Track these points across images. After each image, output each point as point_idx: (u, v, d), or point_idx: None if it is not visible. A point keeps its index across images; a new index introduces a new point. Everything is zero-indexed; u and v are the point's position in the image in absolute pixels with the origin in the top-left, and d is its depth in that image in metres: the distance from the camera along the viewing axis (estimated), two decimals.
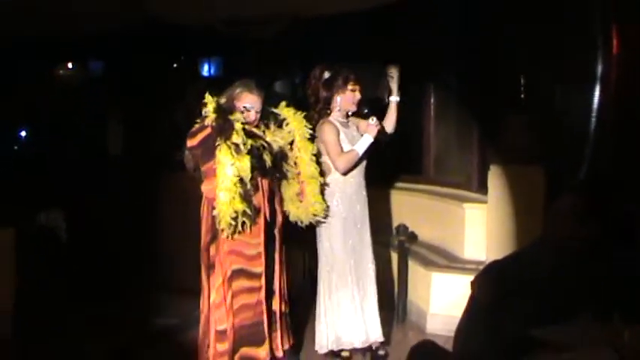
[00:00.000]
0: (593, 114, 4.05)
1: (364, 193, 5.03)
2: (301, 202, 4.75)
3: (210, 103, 4.31)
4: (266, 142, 4.54)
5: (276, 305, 4.62)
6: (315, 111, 4.97)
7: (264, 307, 4.49)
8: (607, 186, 3.07)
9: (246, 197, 4.26)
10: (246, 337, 4.47)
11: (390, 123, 5.14)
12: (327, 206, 4.87)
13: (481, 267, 3.79)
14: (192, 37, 8.17)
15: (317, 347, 4.97)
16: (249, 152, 4.27)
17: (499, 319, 2.63)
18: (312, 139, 4.78)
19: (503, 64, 5.78)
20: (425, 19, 6.64)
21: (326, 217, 4.90)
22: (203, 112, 4.32)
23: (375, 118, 4.87)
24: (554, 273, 2.62)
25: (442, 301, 5.61)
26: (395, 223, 6.24)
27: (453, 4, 6.39)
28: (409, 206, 6.70)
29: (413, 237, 6.18)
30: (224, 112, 4.31)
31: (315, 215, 4.78)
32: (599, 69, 4.09)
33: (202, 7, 7.09)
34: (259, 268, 4.47)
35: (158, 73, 8.52)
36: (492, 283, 2.85)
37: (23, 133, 9.41)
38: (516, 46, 5.52)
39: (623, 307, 2.44)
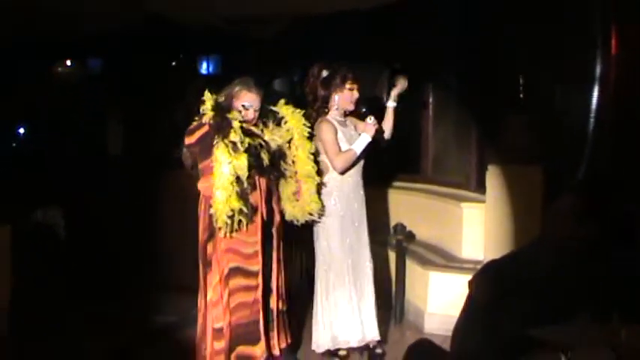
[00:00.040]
0: (592, 114, 4.05)
1: (362, 192, 5.03)
2: (297, 200, 4.74)
3: (208, 100, 4.31)
4: (264, 140, 4.53)
5: (273, 304, 4.61)
6: (313, 109, 4.96)
7: (260, 305, 4.48)
8: (606, 186, 3.07)
9: (242, 196, 4.25)
10: (243, 335, 4.46)
11: (387, 128, 5.14)
12: (324, 205, 4.87)
13: (479, 267, 3.79)
14: (192, 36, 8.17)
15: (314, 346, 4.97)
16: (246, 150, 4.26)
17: (496, 319, 2.63)
18: (311, 137, 4.78)
19: (502, 64, 5.78)
20: (424, 18, 6.63)
21: (323, 215, 4.89)
22: (201, 110, 4.32)
23: (372, 118, 4.87)
24: (552, 273, 2.62)
25: (440, 301, 5.60)
26: (393, 222, 6.24)
27: (453, 4, 6.39)
28: (407, 205, 6.70)
29: (411, 236, 6.18)
30: (222, 110, 4.31)
31: (310, 214, 4.78)
32: (599, 69, 4.09)
33: (203, 6, 7.09)
34: (256, 266, 4.46)
35: (158, 71, 8.52)
36: (490, 283, 2.85)
37: (22, 131, 9.40)
38: (516, 46, 5.52)
39: (621, 307, 2.44)
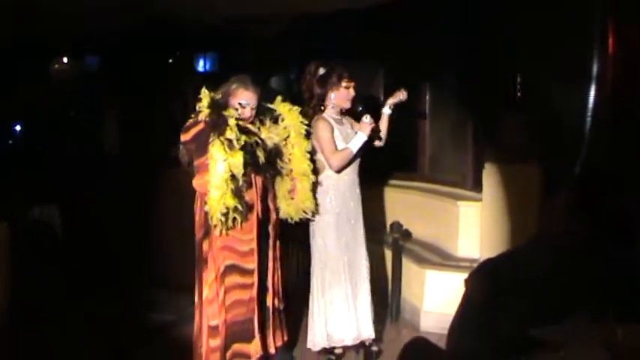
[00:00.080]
0: (590, 113, 4.05)
1: (358, 190, 5.03)
2: (292, 199, 4.75)
3: (205, 97, 4.31)
4: (260, 138, 4.53)
5: (269, 302, 4.61)
6: (310, 107, 4.97)
7: (256, 304, 4.48)
8: (602, 183, 3.07)
9: (237, 193, 4.24)
10: (239, 333, 4.46)
11: (381, 134, 5.16)
12: (318, 204, 4.88)
13: (475, 265, 3.80)
14: (190, 34, 8.16)
15: (309, 344, 4.98)
16: (242, 148, 4.25)
17: (492, 317, 2.63)
18: (308, 134, 4.78)
19: (499, 63, 5.77)
20: (422, 17, 6.63)
21: (319, 213, 4.91)
22: (197, 107, 4.32)
23: (369, 116, 4.88)
24: (548, 271, 2.62)
25: (436, 299, 5.62)
26: (389, 221, 6.25)
27: (450, 3, 6.39)
28: (403, 203, 6.71)
29: (407, 234, 6.19)
30: (218, 108, 4.30)
31: (305, 212, 4.79)
32: (596, 67, 4.09)
33: (203, 5, 7.09)
34: (252, 264, 4.46)
35: (156, 69, 8.51)
36: (486, 281, 2.85)
37: (19, 128, 9.38)
38: (512, 45, 5.52)
39: (618, 305, 2.44)
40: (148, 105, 8.27)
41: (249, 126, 4.52)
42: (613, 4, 4.11)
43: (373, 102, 6.94)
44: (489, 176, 5.64)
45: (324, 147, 4.87)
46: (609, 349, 2.36)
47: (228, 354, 4.44)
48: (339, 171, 4.91)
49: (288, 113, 4.72)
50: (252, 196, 4.41)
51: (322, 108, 4.98)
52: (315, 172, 4.82)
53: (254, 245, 4.45)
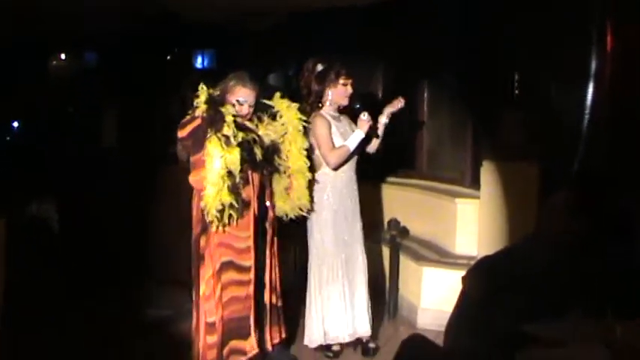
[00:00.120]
0: (588, 111, 4.05)
1: (355, 187, 5.04)
2: (289, 195, 4.75)
3: (202, 94, 4.30)
4: (257, 135, 4.52)
5: (267, 298, 4.61)
6: (308, 103, 4.97)
7: (252, 301, 4.48)
8: (601, 182, 3.07)
9: (234, 190, 4.24)
10: (235, 330, 4.46)
11: (375, 141, 5.17)
12: (315, 201, 4.89)
13: (472, 262, 3.80)
14: (188, 29, 8.15)
15: (306, 341, 4.99)
16: (239, 145, 4.25)
17: (490, 315, 2.63)
18: (306, 131, 4.77)
19: (497, 61, 5.77)
20: (421, 15, 6.63)
21: (317, 210, 4.91)
22: (195, 103, 4.31)
23: (366, 114, 4.88)
24: (546, 269, 2.62)
25: (433, 296, 5.62)
26: (387, 218, 6.24)
27: (450, 1, 6.39)
28: (401, 201, 6.70)
29: (404, 232, 6.18)
30: (215, 104, 4.30)
31: (300, 210, 4.79)
32: (594, 66, 4.09)
33: (202, 1, 7.09)
34: (249, 261, 4.46)
35: (153, 65, 8.50)
36: (483, 279, 2.85)
37: (16, 124, 9.37)
38: (512, 43, 5.52)
39: (616, 302, 2.44)
40: (146, 101, 8.26)
41: (247, 123, 4.52)
42: (612, 4, 4.11)
43: (371, 99, 6.93)
44: (487, 174, 5.64)
45: (321, 144, 4.87)
46: (608, 347, 2.35)
47: (225, 351, 4.44)
48: (336, 168, 4.91)
49: (286, 110, 4.72)
50: (249, 193, 4.41)
51: (320, 105, 4.98)
52: (312, 169, 4.82)
53: (251, 242, 4.45)
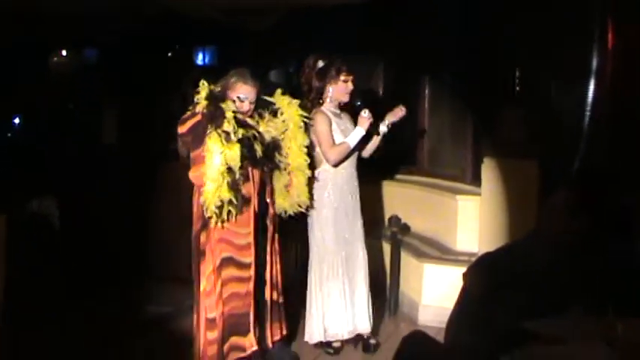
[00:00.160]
0: (589, 108, 4.06)
1: (356, 184, 5.04)
2: (288, 192, 4.75)
3: (203, 89, 4.30)
4: (258, 132, 4.52)
5: (267, 295, 4.61)
6: (308, 100, 4.97)
7: (252, 298, 4.48)
8: (602, 179, 3.07)
9: (233, 186, 4.24)
10: (236, 326, 4.46)
11: (372, 146, 5.18)
12: (315, 199, 4.89)
13: (473, 259, 3.80)
14: (189, 26, 8.14)
15: (307, 337, 5.00)
16: (239, 141, 4.25)
17: (491, 311, 2.63)
18: (307, 128, 4.77)
19: (498, 58, 5.77)
20: (422, 13, 6.62)
21: (318, 207, 4.91)
22: (195, 99, 4.31)
23: (367, 111, 4.88)
24: (547, 266, 2.62)
25: (434, 293, 5.62)
26: (388, 215, 6.24)
27: None
28: (402, 197, 6.70)
29: (405, 228, 6.19)
30: (215, 100, 4.29)
31: (299, 206, 4.79)
32: (595, 63, 4.09)
33: None
34: (249, 258, 4.46)
35: (154, 61, 8.49)
36: (484, 275, 2.85)
37: (17, 121, 9.36)
38: (512, 41, 5.52)
39: (617, 300, 2.44)
40: (147, 98, 8.26)
41: (248, 119, 4.52)
42: (612, 2, 4.11)
43: (372, 96, 6.93)
44: (488, 170, 5.64)
45: (321, 140, 4.87)
46: (609, 344, 2.35)
47: (226, 347, 4.44)
48: (336, 165, 4.91)
49: (287, 107, 4.72)
50: (249, 189, 4.41)
51: (321, 101, 4.98)
52: (312, 166, 4.82)
53: (251, 239, 4.45)
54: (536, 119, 5.25)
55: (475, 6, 6.03)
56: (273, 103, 4.72)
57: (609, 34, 4.01)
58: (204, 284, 4.44)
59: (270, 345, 4.67)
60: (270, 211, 4.61)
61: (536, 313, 2.50)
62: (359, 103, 5.07)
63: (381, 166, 6.82)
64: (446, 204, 6.24)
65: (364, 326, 5.00)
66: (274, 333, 4.69)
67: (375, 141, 5.18)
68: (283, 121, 4.68)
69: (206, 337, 4.44)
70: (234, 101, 4.41)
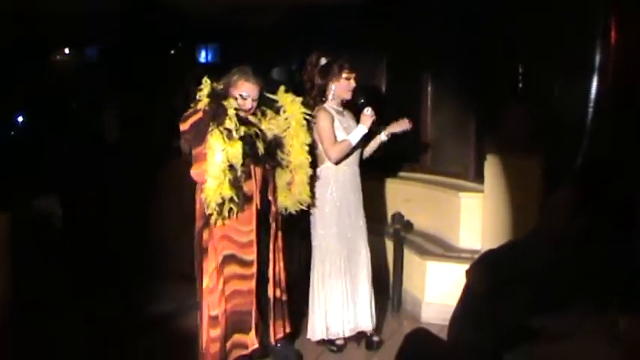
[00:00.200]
0: (592, 104, 4.05)
1: (358, 181, 5.04)
2: (290, 190, 4.74)
3: (205, 87, 4.30)
4: (260, 129, 4.51)
5: (270, 293, 4.61)
6: (311, 97, 4.96)
7: (254, 295, 4.48)
8: (605, 176, 3.07)
9: (235, 184, 4.25)
10: (238, 323, 4.46)
11: (370, 150, 5.19)
12: (317, 197, 4.90)
13: (476, 256, 3.79)
14: (191, 24, 8.14)
15: (309, 335, 5.00)
16: (241, 139, 4.25)
17: (494, 309, 2.63)
18: (309, 126, 4.77)
19: (501, 54, 5.76)
20: (423, 9, 6.62)
21: (320, 205, 4.91)
22: (197, 96, 4.31)
23: (370, 109, 4.88)
24: (550, 263, 2.61)
25: (437, 290, 5.61)
26: (391, 212, 6.24)
27: None
28: (405, 195, 6.70)
29: (408, 225, 6.18)
30: (217, 97, 4.30)
31: (300, 204, 4.78)
32: (598, 59, 4.08)
33: None
34: (251, 256, 4.46)
35: (156, 59, 8.49)
36: (487, 272, 2.84)
37: (20, 119, 9.38)
38: (515, 36, 5.51)
39: (620, 297, 2.44)
40: (150, 96, 8.26)
41: (250, 117, 4.51)
42: None
43: (375, 94, 6.93)
44: (491, 167, 5.63)
45: (323, 138, 4.87)
46: (612, 341, 2.35)
47: (228, 344, 4.45)
48: (337, 162, 4.90)
49: (290, 104, 4.71)
50: (251, 187, 4.41)
51: (323, 99, 4.98)
52: (314, 164, 4.82)
53: (253, 237, 4.45)
54: (539, 116, 5.24)
55: (477, 3, 6.02)
56: (276, 101, 4.71)
57: (612, 30, 4.00)
58: (206, 281, 4.44)
59: (274, 342, 4.67)
60: (273, 208, 4.61)
61: (539, 310, 2.50)
62: (362, 101, 5.08)
63: (384, 164, 6.82)
64: (449, 201, 6.23)
65: (366, 324, 5.00)
66: (278, 331, 4.69)
67: (374, 145, 5.19)
68: (286, 119, 4.68)
69: (209, 335, 4.44)
70: (236, 99, 4.40)
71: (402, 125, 5.17)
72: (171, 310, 5.66)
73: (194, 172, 4.35)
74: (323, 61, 4.98)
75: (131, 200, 6.94)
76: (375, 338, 5.05)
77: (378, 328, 5.16)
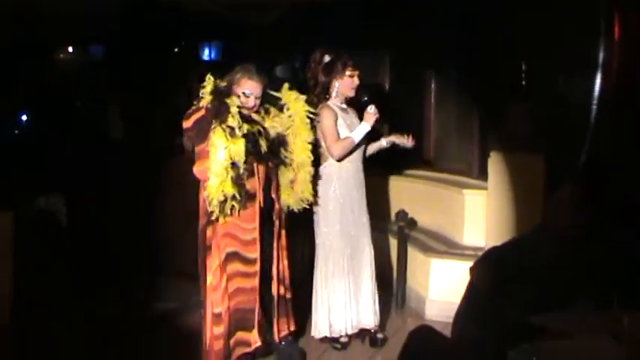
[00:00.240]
0: (595, 102, 4.04)
1: (362, 178, 5.04)
2: (293, 188, 4.75)
3: (209, 84, 4.30)
4: (263, 127, 4.51)
5: (274, 290, 4.61)
6: (315, 95, 4.96)
7: (257, 293, 4.48)
8: (607, 174, 3.07)
9: (237, 181, 4.25)
10: (242, 321, 4.46)
11: (369, 151, 5.20)
12: (319, 195, 4.89)
13: (480, 253, 3.80)
14: (193, 22, 8.14)
15: (313, 332, 5.00)
16: (244, 136, 4.25)
17: (498, 306, 2.63)
18: (312, 125, 4.77)
19: (504, 52, 5.76)
20: (426, 6, 6.61)
21: (323, 202, 4.91)
22: (200, 93, 4.31)
23: (373, 107, 4.88)
24: (553, 260, 2.62)
25: (441, 287, 5.61)
26: (394, 209, 6.24)
27: None
28: (409, 192, 6.70)
29: (412, 223, 6.18)
30: (220, 95, 4.30)
31: (302, 202, 4.78)
32: (601, 56, 4.08)
33: None
34: (254, 253, 4.46)
35: (159, 57, 8.49)
36: (491, 270, 2.85)
37: (24, 118, 9.38)
38: (518, 34, 5.50)
39: (623, 293, 2.44)
40: (153, 94, 8.26)
41: (253, 115, 4.51)
42: None
43: (378, 91, 6.92)
44: (495, 164, 5.63)
45: (326, 135, 4.87)
46: (615, 338, 2.35)
47: (232, 342, 4.45)
48: (340, 160, 4.90)
49: (294, 102, 4.71)
50: (254, 185, 4.41)
51: (327, 96, 4.98)
52: (316, 163, 4.82)
53: (256, 234, 4.45)
54: (543, 113, 5.24)
55: (480, 0, 6.01)
56: (279, 98, 4.71)
57: (615, 27, 4.00)
58: (210, 279, 4.44)
59: (278, 340, 4.68)
60: (276, 206, 4.61)
61: (542, 307, 2.50)
62: (365, 98, 5.07)
63: (388, 161, 6.83)
64: (453, 198, 6.23)
65: (369, 321, 5.00)
66: (282, 328, 4.69)
67: (373, 148, 5.20)
68: (289, 117, 4.68)
69: (212, 332, 4.44)
70: (239, 96, 4.40)
71: (403, 141, 5.19)
72: (175, 308, 5.67)
73: (197, 170, 4.35)
74: (327, 58, 4.98)
75: (134, 198, 6.94)
76: (379, 335, 5.05)
77: (381, 325, 5.16)
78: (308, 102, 4.75)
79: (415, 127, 7.01)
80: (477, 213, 5.92)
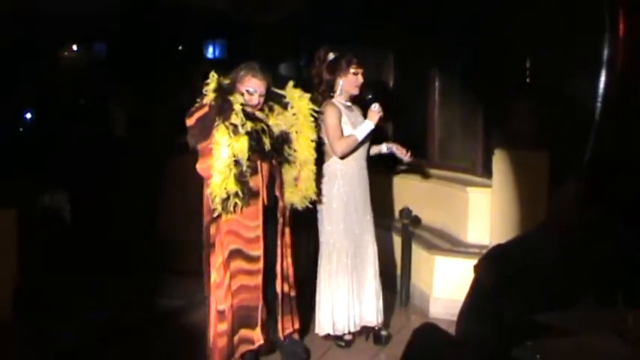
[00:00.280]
0: (600, 99, 4.04)
1: (366, 175, 5.03)
2: (297, 186, 4.74)
3: (212, 81, 4.30)
4: (267, 125, 4.51)
5: (279, 288, 4.61)
6: (319, 93, 4.96)
7: (261, 291, 4.49)
8: (612, 171, 3.06)
9: (240, 179, 4.25)
10: (245, 318, 4.46)
11: (370, 152, 5.19)
12: (323, 194, 4.89)
13: (484, 251, 3.79)
14: (198, 20, 8.15)
15: (317, 330, 5.00)
16: (247, 134, 4.25)
17: (502, 303, 2.63)
18: (317, 123, 4.76)
19: (509, 49, 5.75)
20: (431, 4, 6.61)
21: (327, 200, 4.91)
22: (204, 91, 4.31)
23: (377, 105, 4.88)
24: (558, 257, 2.61)
25: (445, 285, 5.61)
26: (398, 207, 6.24)
27: None
28: (413, 190, 6.69)
29: (416, 220, 6.18)
30: (224, 92, 4.29)
31: (305, 200, 4.78)
32: (606, 53, 4.07)
33: None
34: (257, 251, 4.45)
35: (163, 55, 8.51)
36: (495, 267, 2.85)
37: (28, 115, 9.40)
38: (522, 31, 5.50)
39: (628, 291, 2.44)
40: (157, 92, 8.27)
41: (257, 113, 4.51)
42: None
43: (382, 89, 6.92)
44: (499, 162, 5.62)
45: (329, 132, 4.87)
46: (620, 336, 2.35)
47: (236, 339, 4.45)
48: (343, 157, 4.90)
49: (298, 100, 4.70)
50: (258, 182, 4.40)
51: (332, 94, 4.97)
52: (320, 161, 4.82)
53: (260, 232, 4.45)
54: (547, 110, 5.24)
55: None
56: (283, 96, 4.70)
57: (620, 24, 3.99)
58: (214, 276, 4.45)
59: (282, 338, 4.68)
60: (280, 204, 4.61)
61: (547, 304, 2.50)
62: (370, 96, 5.07)
63: (392, 159, 6.83)
64: (457, 196, 6.23)
65: (373, 319, 5.00)
66: (286, 326, 4.69)
67: (373, 152, 5.20)
68: (294, 115, 4.67)
69: (216, 329, 4.45)
70: (243, 94, 4.40)
71: (403, 154, 5.19)
72: (180, 305, 5.67)
73: (200, 167, 4.35)
74: (331, 56, 4.98)
75: (139, 195, 6.95)
76: (383, 333, 5.06)
77: (385, 323, 5.16)
78: (312, 100, 4.74)
79: (419, 125, 7.03)
80: (481, 211, 5.91)
